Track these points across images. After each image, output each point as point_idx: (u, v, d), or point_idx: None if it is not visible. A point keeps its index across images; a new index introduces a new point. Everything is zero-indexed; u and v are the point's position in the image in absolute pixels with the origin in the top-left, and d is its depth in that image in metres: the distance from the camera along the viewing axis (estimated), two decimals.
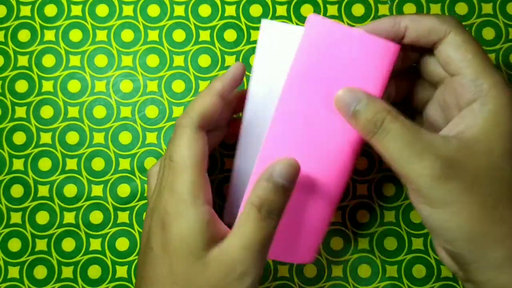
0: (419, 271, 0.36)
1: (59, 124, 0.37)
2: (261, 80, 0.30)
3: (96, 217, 0.36)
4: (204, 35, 0.37)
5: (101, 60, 0.37)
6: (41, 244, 0.36)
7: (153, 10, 0.37)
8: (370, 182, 0.36)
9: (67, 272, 0.36)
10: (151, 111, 0.37)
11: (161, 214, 0.26)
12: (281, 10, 0.37)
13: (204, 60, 0.37)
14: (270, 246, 0.27)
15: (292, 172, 0.26)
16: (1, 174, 0.37)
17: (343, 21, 0.37)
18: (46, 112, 0.37)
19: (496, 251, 0.24)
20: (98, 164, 0.36)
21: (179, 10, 0.37)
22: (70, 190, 0.36)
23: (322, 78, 0.27)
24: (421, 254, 0.36)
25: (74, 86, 0.37)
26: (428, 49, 0.28)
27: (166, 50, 0.37)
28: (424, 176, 0.24)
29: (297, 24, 0.37)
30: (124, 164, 0.36)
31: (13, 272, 0.36)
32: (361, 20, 0.37)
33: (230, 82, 0.29)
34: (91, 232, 0.36)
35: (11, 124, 0.37)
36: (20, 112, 0.37)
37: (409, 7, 0.37)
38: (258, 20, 0.37)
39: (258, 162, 0.28)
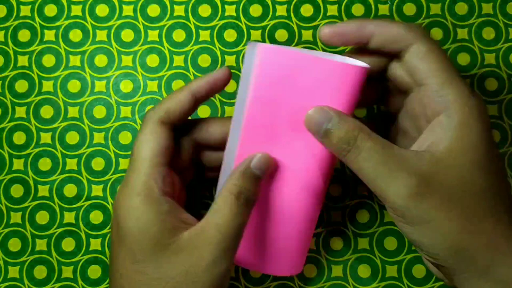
0: (419, 271, 0.36)
1: (59, 124, 0.37)
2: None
3: (96, 217, 0.36)
4: (204, 35, 0.37)
5: (101, 60, 0.37)
6: (41, 244, 0.36)
7: (153, 10, 0.37)
8: None
9: (67, 272, 0.36)
10: None
11: (115, 208, 0.27)
12: (281, 10, 0.37)
13: (204, 60, 0.37)
14: (241, 237, 0.27)
15: (268, 164, 0.27)
16: (1, 174, 0.37)
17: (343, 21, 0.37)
18: (46, 112, 0.37)
19: (479, 262, 0.24)
20: (98, 164, 0.36)
21: (179, 10, 0.37)
22: (70, 190, 0.36)
23: (283, 103, 0.27)
24: None
25: (74, 86, 0.37)
26: (395, 56, 0.27)
27: (166, 50, 0.37)
28: (400, 196, 0.24)
29: (297, 24, 0.37)
30: (124, 164, 0.36)
31: (13, 272, 0.36)
32: None
33: (207, 84, 0.29)
34: (91, 232, 0.36)
35: (11, 124, 0.37)
36: (20, 112, 0.37)
37: (409, 7, 0.37)
38: (258, 20, 0.37)
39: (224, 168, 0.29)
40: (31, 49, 0.37)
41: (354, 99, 0.27)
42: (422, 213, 0.24)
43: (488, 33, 0.37)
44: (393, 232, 0.36)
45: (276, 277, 0.36)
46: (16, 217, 0.36)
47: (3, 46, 0.37)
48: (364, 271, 0.36)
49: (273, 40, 0.37)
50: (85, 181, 0.36)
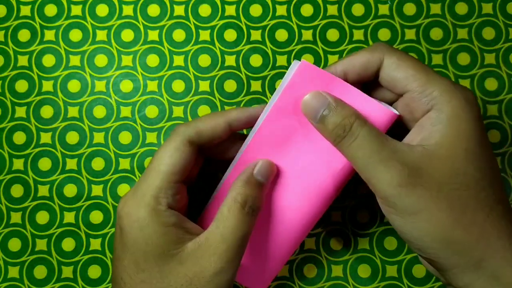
0: (419, 271, 0.36)
1: (59, 124, 0.37)
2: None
3: (96, 217, 0.36)
4: (204, 35, 0.37)
5: (101, 60, 0.37)
6: (41, 244, 0.36)
7: (153, 10, 0.37)
8: None
9: (67, 272, 0.36)
10: (151, 111, 0.37)
11: (120, 214, 0.27)
12: (281, 10, 0.37)
13: (204, 60, 0.37)
14: (246, 247, 0.27)
15: (270, 171, 0.28)
16: (1, 174, 0.37)
17: (343, 21, 0.37)
18: (46, 112, 0.37)
19: (471, 256, 0.24)
20: (98, 164, 0.36)
21: (179, 10, 0.37)
22: (70, 190, 0.36)
23: (303, 117, 0.28)
24: None
25: (74, 86, 0.37)
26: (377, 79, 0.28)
27: (166, 50, 0.37)
28: (391, 184, 0.24)
29: (297, 24, 0.37)
30: (124, 164, 0.36)
31: (13, 272, 0.36)
32: (361, 19, 0.37)
33: (246, 118, 0.29)
34: (91, 232, 0.36)
35: (11, 124, 0.37)
36: (20, 112, 0.37)
37: (409, 7, 0.37)
38: (258, 20, 0.37)
39: (233, 169, 0.29)
40: (31, 49, 0.37)
41: None
42: (412, 203, 0.24)
43: (488, 33, 0.37)
44: (393, 232, 0.36)
45: (276, 277, 0.36)
46: (16, 217, 0.36)
47: (3, 46, 0.37)
48: (364, 271, 0.36)
49: (273, 40, 0.37)
50: (85, 181, 0.36)
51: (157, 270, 0.25)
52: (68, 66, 0.37)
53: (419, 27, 0.37)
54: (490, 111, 0.36)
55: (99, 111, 0.37)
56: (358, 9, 0.37)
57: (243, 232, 0.26)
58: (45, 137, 0.37)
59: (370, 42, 0.37)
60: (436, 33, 0.37)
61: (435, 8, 0.37)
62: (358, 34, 0.37)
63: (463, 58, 0.37)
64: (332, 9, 0.37)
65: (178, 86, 0.37)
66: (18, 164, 0.37)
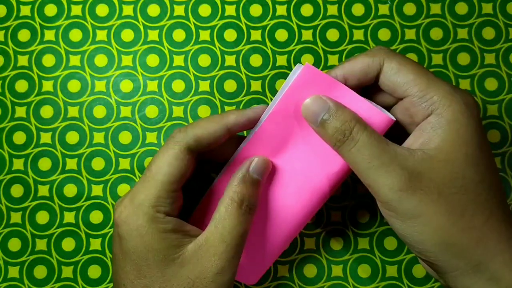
0: (419, 271, 0.36)
1: (59, 124, 0.37)
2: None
3: (96, 217, 0.36)
4: (204, 35, 0.37)
5: (101, 60, 0.37)
6: (41, 244, 0.36)
7: (153, 10, 0.37)
8: None
9: (67, 272, 0.36)
10: (151, 111, 0.37)
11: (118, 221, 0.27)
12: (281, 10, 0.37)
13: (204, 60, 0.37)
14: (244, 245, 0.27)
15: (265, 168, 0.28)
16: (1, 174, 0.37)
17: (343, 21, 0.37)
18: (46, 112, 0.37)
19: (469, 260, 0.24)
20: (98, 164, 0.36)
21: (179, 10, 0.37)
22: (70, 190, 0.36)
23: (302, 119, 0.28)
24: None
25: (74, 86, 0.37)
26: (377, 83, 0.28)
27: (166, 50, 0.37)
28: (392, 189, 0.24)
29: (297, 24, 0.37)
30: (124, 164, 0.36)
31: (13, 272, 0.36)
32: (361, 19, 0.37)
33: (245, 121, 0.28)
34: (91, 232, 0.36)
35: (11, 124, 0.37)
36: (20, 112, 0.37)
37: (409, 7, 0.37)
38: (258, 20, 0.37)
39: (228, 167, 0.29)
40: (31, 49, 0.37)
41: None
42: (413, 207, 0.24)
43: (488, 33, 0.37)
44: (393, 232, 0.36)
45: (276, 277, 0.36)
46: (16, 217, 0.36)
47: (3, 46, 0.37)
48: (364, 271, 0.36)
49: (273, 40, 0.37)
50: (85, 181, 0.36)
51: (159, 275, 0.26)
52: (68, 66, 0.37)
53: (419, 27, 0.37)
54: (490, 111, 0.36)
55: (99, 111, 0.37)
56: (358, 9, 0.37)
57: (241, 230, 0.26)
58: (45, 137, 0.37)
59: (370, 42, 0.37)
60: (436, 33, 0.37)
61: (435, 8, 0.37)
62: (358, 34, 0.37)
63: (463, 58, 0.37)
64: (332, 9, 0.37)
65: (178, 86, 0.37)
66: (18, 164, 0.37)
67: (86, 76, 0.37)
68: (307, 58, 0.37)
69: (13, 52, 0.37)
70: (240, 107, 0.37)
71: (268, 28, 0.37)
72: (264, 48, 0.37)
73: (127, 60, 0.37)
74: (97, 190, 0.36)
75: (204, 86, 0.37)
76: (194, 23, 0.37)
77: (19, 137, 0.37)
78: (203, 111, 0.37)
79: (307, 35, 0.37)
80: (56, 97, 0.37)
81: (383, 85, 0.27)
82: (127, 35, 0.37)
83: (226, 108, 0.37)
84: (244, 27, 0.37)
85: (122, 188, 0.36)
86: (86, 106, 0.37)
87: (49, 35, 0.37)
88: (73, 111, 0.37)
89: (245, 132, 0.36)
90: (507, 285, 0.24)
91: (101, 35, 0.37)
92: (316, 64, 0.37)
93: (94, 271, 0.36)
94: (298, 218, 0.29)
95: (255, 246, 0.30)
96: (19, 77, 0.37)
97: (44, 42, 0.37)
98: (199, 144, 0.27)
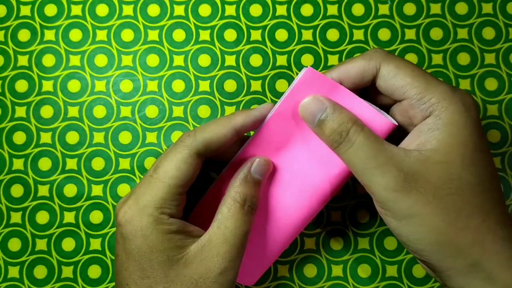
0: (419, 271, 0.36)
1: (59, 124, 0.37)
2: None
3: (96, 217, 0.36)
4: (204, 35, 0.37)
5: (101, 60, 0.37)
6: (41, 244, 0.36)
7: (153, 10, 0.37)
8: None
9: (67, 272, 0.36)
10: (151, 111, 0.37)
11: (121, 221, 0.27)
12: (281, 10, 0.37)
13: (204, 60, 0.37)
14: (246, 245, 0.27)
15: (266, 168, 0.28)
16: (1, 174, 0.37)
17: (343, 21, 0.37)
18: (46, 112, 0.37)
19: (464, 259, 0.24)
20: (98, 164, 0.36)
21: (179, 10, 0.37)
22: (70, 190, 0.36)
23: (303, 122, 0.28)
24: None
25: (74, 86, 0.37)
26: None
27: (166, 50, 0.37)
28: (387, 189, 0.24)
29: (297, 24, 0.37)
30: (124, 164, 0.36)
31: (13, 272, 0.36)
32: (361, 19, 0.37)
33: (252, 122, 0.28)
34: (91, 232, 0.36)
35: (11, 124, 0.37)
36: (20, 112, 0.37)
37: (409, 7, 0.37)
38: (258, 20, 0.37)
39: (227, 169, 0.29)
40: (31, 49, 0.37)
41: None
42: (408, 207, 0.24)
43: (488, 33, 0.37)
44: None
45: (276, 277, 0.36)
46: (16, 217, 0.36)
47: (3, 46, 0.37)
48: (364, 271, 0.36)
49: (273, 40, 0.37)
50: (85, 181, 0.36)
51: (163, 276, 0.26)
52: (68, 66, 0.37)
53: (419, 27, 0.37)
54: (490, 111, 0.36)
55: (99, 111, 0.37)
56: (358, 9, 0.37)
57: (243, 230, 0.27)
58: (45, 137, 0.37)
59: (370, 42, 0.37)
60: (436, 33, 0.37)
61: (435, 8, 0.37)
62: (358, 34, 0.37)
63: (463, 58, 0.37)
64: (332, 9, 0.37)
65: (178, 86, 0.37)
66: (18, 164, 0.37)
67: (86, 76, 0.37)
68: (307, 58, 0.37)
69: (13, 52, 0.37)
70: (240, 107, 0.37)
71: (268, 28, 0.37)
72: (264, 48, 0.37)
73: (127, 60, 0.37)
74: (97, 190, 0.36)
75: (204, 86, 0.37)
76: (194, 23, 0.37)
77: (19, 137, 0.37)
78: (203, 111, 0.37)
79: (307, 35, 0.37)
80: (56, 97, 0.37)
81: (381, 87, 0.27)
82: (127, 35, 0.37)
83: (226, 108, 0.37)
84: (244, 27, 0.37)
85: (122, 188, 0.36)
86: (86, 106, 0.37)
87: (49, 35, 0.37)
88: (73, 111, 0.37)
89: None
90: (502, 285, 0.24)
91: (101, 35, 0.37)
92: (316, 64, 0.37)
93: (94, 271, 0.36)
94: (298, 219, 0.29)
95: (255, 247, 0.30)
96: (19, 77, 0.37)
97: (44, 42, 0.37)
98: (208, 148, 0.27)
